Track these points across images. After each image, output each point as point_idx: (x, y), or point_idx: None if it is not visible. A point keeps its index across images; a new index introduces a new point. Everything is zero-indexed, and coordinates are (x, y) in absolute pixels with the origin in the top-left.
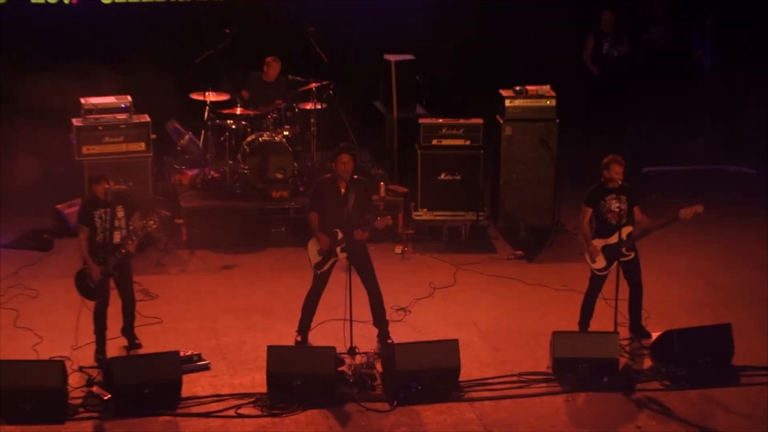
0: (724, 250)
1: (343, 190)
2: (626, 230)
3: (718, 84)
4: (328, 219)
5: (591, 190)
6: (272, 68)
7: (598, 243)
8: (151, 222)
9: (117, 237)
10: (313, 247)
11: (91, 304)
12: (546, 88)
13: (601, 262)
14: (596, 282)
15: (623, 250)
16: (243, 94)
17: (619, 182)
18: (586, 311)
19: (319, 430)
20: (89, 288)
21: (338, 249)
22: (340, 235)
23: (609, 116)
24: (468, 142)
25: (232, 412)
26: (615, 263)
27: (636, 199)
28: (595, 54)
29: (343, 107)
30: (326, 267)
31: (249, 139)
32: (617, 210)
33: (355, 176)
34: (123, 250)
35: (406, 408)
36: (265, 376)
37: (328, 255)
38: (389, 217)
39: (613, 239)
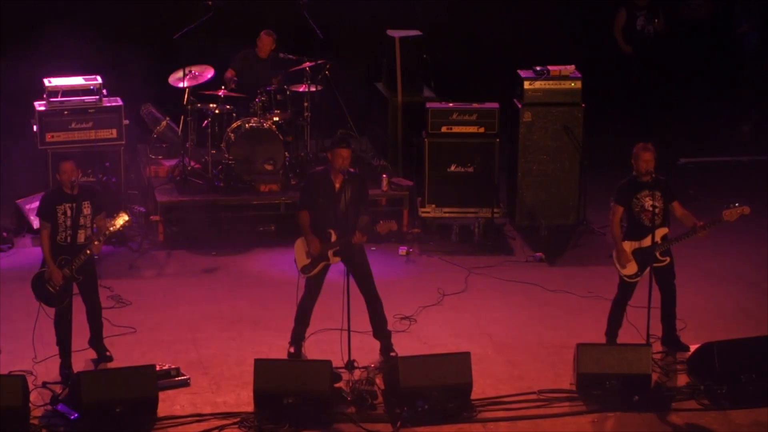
0: None
1: (337, 186)
2: (661, 232)
3: (766, 63)
4: (320, 218)
5: (621, 185)
6: (265, 43)
7: (629, 246)
8: (117, 221)
9: (81, 236)
10: (300, 248)
11: (51, 311)
12: (570, 69)
13: (632, 268)
14: (626, 289)
15: (657, 254)
16: (227, 74)
17: (652, 174)
18: (614, 321)
19: None
20: (49, 293)
21: (330, 252)
22: (333, 237)
23: (642, 100)
24: (482, 130)
25: None
26: (647, 269)
27: (673, 195)
28: (627, 29)
29: (341, 90)
30: (315, 271)
31: (234, 125)
32: (651, 209)
33: (351, 169)
34: (87, 251)
35: (410, 430)
36: (251, 394)
37: (318, 258)
38: (394, 222)
39: (647, 242)
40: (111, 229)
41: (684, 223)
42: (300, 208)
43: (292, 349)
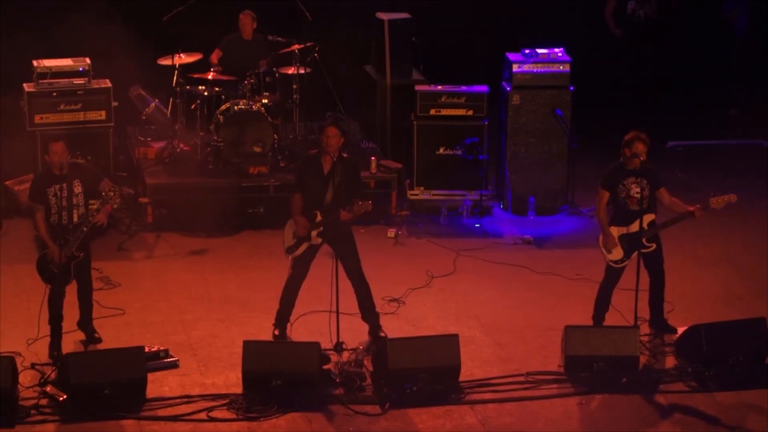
0: (758, 236)
1: (326, 169)
2: (648, 218)
3: (755, 46)
4: (311, 201)
5: (608, 171)
6: (245, 23)
7: (616, 231)
8: (111, 193)
9: (75, 216)
10: (290, 229)
11: (40, 294)
12: (559, 51)
13: (617, 254)
14: (612, 274)
15: (644, 240)
16: (214, 56)
17: (641, 163)
18: (601, 304)
19: None
20: (53, 274)
21: (314, 233)
22: (318, 217)
23: (631, 84)
24: (470, 113)
25: (203, 416)
26: (634, 254)
27: (660, 182)
28: (618, 13)
29: (330, 72)
30: (299, 251)
31: (223, 107)
32: (637, 196)
33: (344, 154)
34: (85, 228)
35: (399, 411)
36: (240, 375)
37: (302, 238)
38: (369, 202)
39: (634, 227)
40: (109, 200)
41: (673, 210)
42: (292, 191)
43: (276, 332)
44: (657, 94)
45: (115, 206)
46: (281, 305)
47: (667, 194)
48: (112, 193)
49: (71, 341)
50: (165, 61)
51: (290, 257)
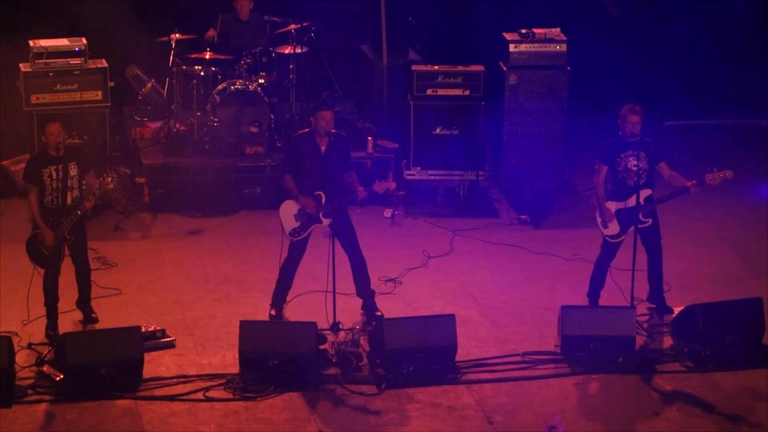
0: (755, 216)
1: (323, 149)
2: (645, 193)
3: (753, 25)
4: (307, 181)
5: (606, 144)
6: (242, 4)
7: (613, 206)
8: (109, 179)
9: (69, 198)
10: (287, 211)
11: (39, 273)
12: (556, 31)
13: (614, 228)
14: (608, 249)
15: (640, 215)
16: (209, 33)
17: (637, 135)
18: (596, 281)
19: (297, 416)
20: (42, 255)
21: (321, 214)
22: (323, 199)
23: (628, 63)
24: (467, 92)
25: (199, 395)
26: (630, 229)
27: (660, 156)
28: None
29: (326, 52)
30: (306, 233)
31: (220, 87)
32: (635, 169)
33: (333, 130)
34: (78, 212)
35: (395, 391)
36: (237, 355)
37: (308, 220)
38: (393, 181)
39: (631, 202)
40: (107, 186)
41: (673, 184)
42: (283, 172)
43: (273, 312)
44: (654, 73)
45: (111, 187)
46: (278, 286)
47: (667, 168)
48: (110, 179)
49: (68, 321)
50: (163, 40)
51: (294, 240)
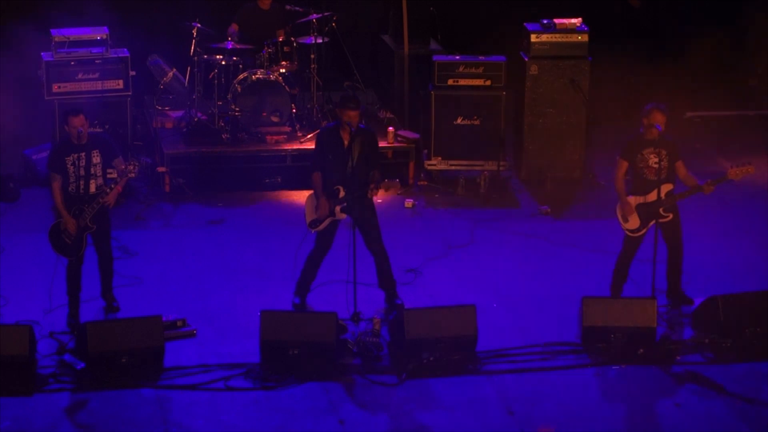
0: None
1: (346, 142)
2: (666, 188)
3: None
4: (331, 174)
5: (627, 141)
6: None
7: (634, 201)
8: (131, 167)
9: (93, 186)
10: (310, 203)
11: (65, 261)
12: (577, 21)
13: (634, 222)
14: (630, 244)
15: (661, 210)
16: (233, 28)
17: (659, 135)
18: (619, 275)
19: (317, 405)
20: (65, 243)
21: (338, 208)
22: (341, 193)
23: (649, 54)
24: (488, 83)
25: (220, 385)
26: (651, 224)
27: (678, 155)
28: None
29: (347, 42)
30: (322, 226)
31: (241, 77)
32: (656, 166)
33: (362, 125)
34: (101, 200)
35: (415, 381)
36: (257, 344)
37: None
38: (398, 181)
39: (651, 197)
40: (129, 175)
41: (686, 184)
42: (313, 169)
43: (297, 300)
44: (675, 64)
45: (132, 176)
46: (302, 275)
47: (683, 168)
48: (131, 167)
49: (90, 310)
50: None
51: (312, 231)
